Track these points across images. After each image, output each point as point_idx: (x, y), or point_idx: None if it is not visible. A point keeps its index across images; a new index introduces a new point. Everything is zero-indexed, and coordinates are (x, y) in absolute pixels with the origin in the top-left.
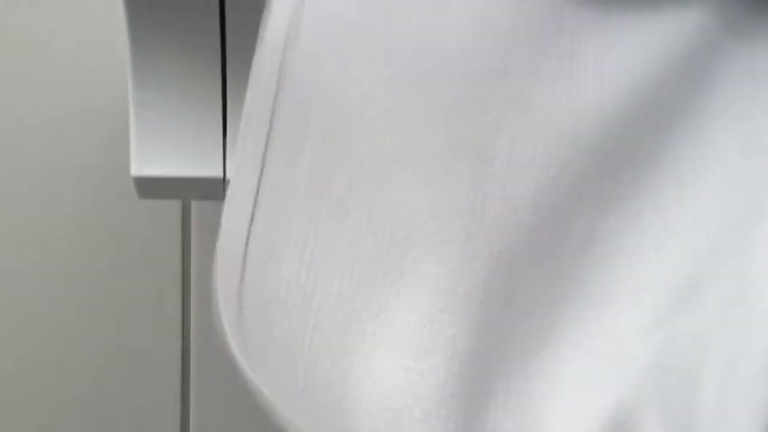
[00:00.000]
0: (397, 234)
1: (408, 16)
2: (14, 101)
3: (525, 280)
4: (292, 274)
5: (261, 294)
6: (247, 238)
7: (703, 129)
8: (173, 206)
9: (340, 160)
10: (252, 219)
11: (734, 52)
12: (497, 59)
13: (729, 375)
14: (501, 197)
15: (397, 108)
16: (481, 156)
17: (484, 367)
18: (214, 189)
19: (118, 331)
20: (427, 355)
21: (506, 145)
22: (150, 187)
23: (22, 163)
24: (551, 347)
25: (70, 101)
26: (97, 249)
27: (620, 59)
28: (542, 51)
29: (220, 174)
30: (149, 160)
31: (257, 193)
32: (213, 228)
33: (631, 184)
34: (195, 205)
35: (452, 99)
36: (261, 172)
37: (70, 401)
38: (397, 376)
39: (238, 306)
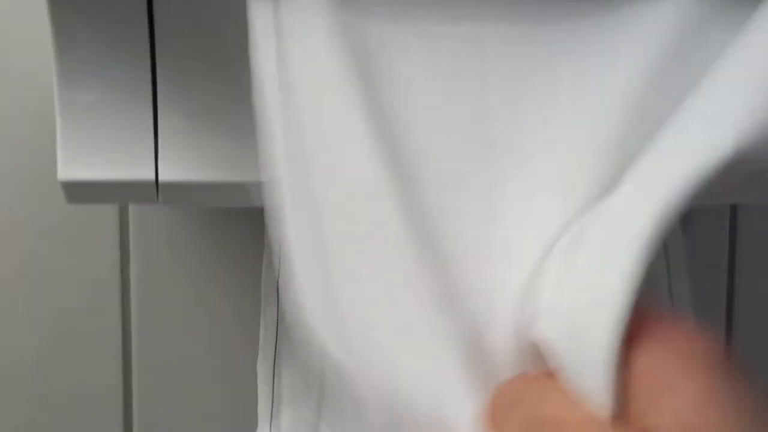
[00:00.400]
0: None
1: None
2: None
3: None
4: None
5: None
6: None
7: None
8: (110, 208)
9: None
10: None
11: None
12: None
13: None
14: None
15: None
16: None
17: None
18: (146, 192)
19: (56, 342)
20: None
21: None
22: (79, 192)
23: None
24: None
25: None
26: (29, 255)
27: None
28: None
29: (152, 176)
30: (77, 164)
31: None
32: (152, 229)
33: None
34: (133, 207)
35: None
36: None
37: (5, 415)
38: None
39: None
